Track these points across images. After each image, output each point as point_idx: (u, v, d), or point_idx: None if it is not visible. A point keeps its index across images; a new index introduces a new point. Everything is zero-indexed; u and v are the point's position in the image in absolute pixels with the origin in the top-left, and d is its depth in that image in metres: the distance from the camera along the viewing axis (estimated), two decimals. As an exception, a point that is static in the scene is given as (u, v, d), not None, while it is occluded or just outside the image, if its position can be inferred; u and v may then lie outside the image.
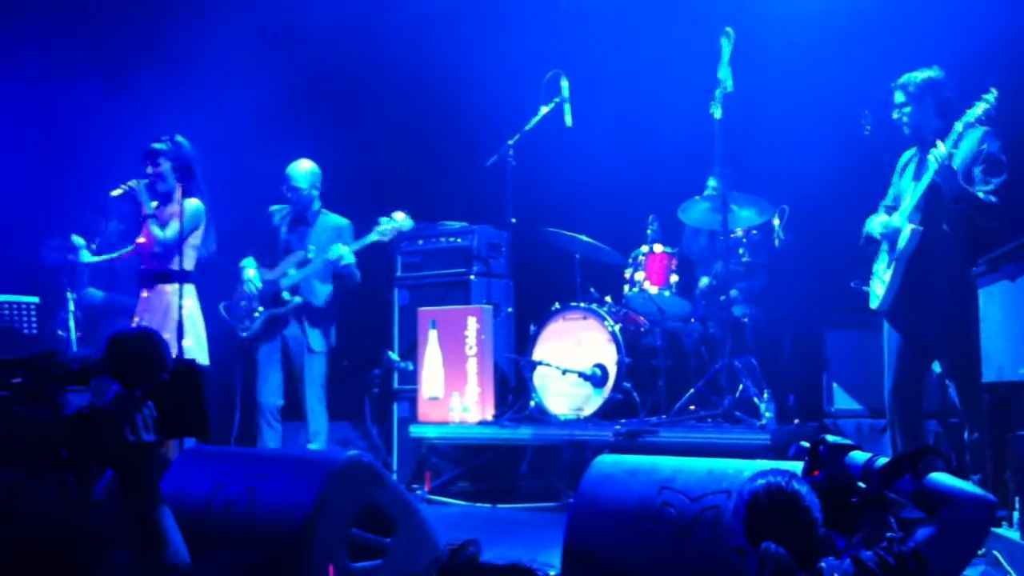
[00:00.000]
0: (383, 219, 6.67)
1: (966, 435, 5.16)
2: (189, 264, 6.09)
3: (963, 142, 5.03)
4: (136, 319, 6.09)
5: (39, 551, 1.69)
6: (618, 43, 7.59)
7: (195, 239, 6.13)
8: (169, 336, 5.83)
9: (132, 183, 6.06)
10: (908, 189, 5.29)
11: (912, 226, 5.10)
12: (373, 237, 6.66)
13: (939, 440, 6.02)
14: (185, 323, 5.90)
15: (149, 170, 6.11)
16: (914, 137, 5.29)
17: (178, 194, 5.96)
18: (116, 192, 6.09)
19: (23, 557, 1.67)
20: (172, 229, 5.96)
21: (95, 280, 7.38)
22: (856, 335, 6.48)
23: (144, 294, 6.13)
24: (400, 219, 6.65)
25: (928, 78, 5.20)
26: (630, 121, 7.41)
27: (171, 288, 5.95)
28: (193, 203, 6.05)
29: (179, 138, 6.11)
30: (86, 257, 6.58)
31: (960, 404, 5.19)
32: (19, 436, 2.02)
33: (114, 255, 6.52)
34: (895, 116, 5.29)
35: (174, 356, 5.61)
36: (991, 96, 4.87)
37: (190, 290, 6.09)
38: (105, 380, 2.17)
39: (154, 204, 6.11)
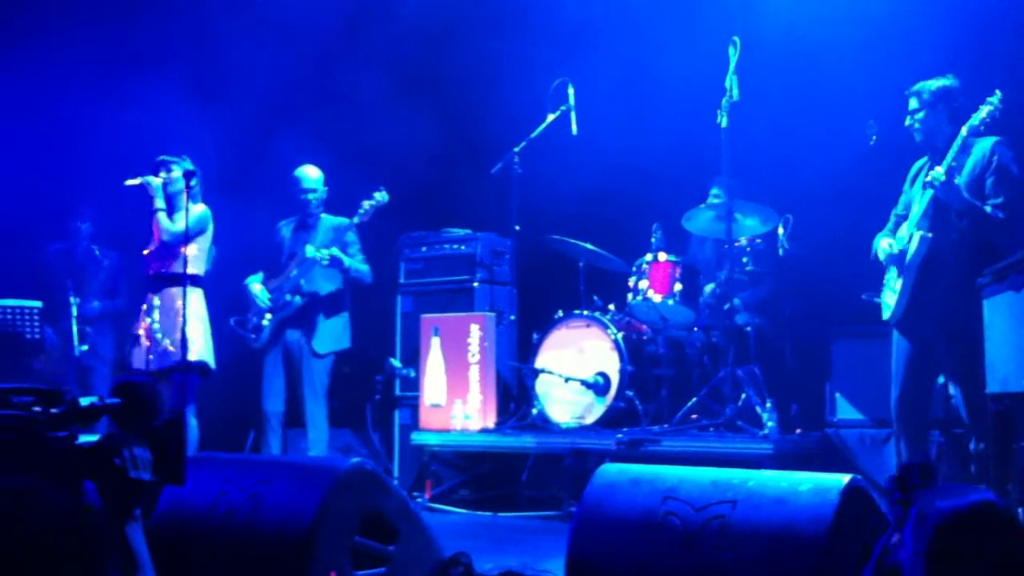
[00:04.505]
0: (364, 201, 6.73)
1: (972, 446, 5.15)
2: (196, 268, 6.14)
3: (973, 149, 5.02)
4: (146, 321, 6.11)
5: (50, 548, 1.94)
6: (625, 52, 7.59)
7: (203, 242, 6.20)
8: (171, 340, 5.86)
9: (148, 178, 6.15)
10: (918, 196, 5.27)
11: (921, 233, 5.09)
12: (355, 220, 6.74)
13: (941, 450, 6.01)
14: (194, 326, 5.95)
15: (162, 174, 6.21)
16: (925, 144, 5.28)
17: (184, 199, 6.05)
18: (132, 181, 6.18)
19: (34, 553, 1.90)
20: (180, 225, 6.04)
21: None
22: (860, 345, 6.45)
23: (154, 299, 6.17)
24: (377, 196, 6.73)
25: (942, 86, 5.19)
26: (636, 129, 7.40)
27: (177, 291, 5.99)
28: (200, 208, 6.14)
29: (186, 162, 6.22)
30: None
31: (967, 415, 5.16)
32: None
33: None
34: (907, 123, 5.27)
35: (178, 359, 5.72)
36: (995, 99, 4.85)
37: (198, 294, 6.13)
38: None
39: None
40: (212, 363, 6.16)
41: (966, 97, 5.16)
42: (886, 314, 5.37)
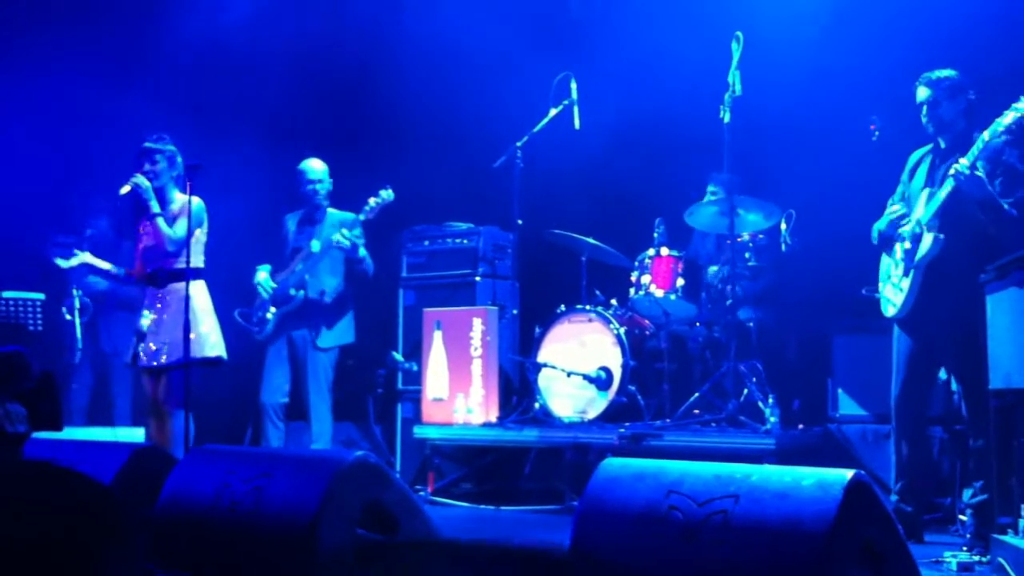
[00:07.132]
0: (370, 199, 6.73)
1: (971, 442, 5.14)
2: (197, 261, 6.10)
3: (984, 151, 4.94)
4: (150, 316, 6.06)
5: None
6: (628, 46, 7.58)
7: (201, 235, 6.15)
8: (179, 336, 5.80)
9: (137, 180, 6.05)
10: (919, 192, 5.23)
11: (934, 234, 5.03)
12: (360, 218, 6.73)
13: (944, 446, 6.01)
14: (201, 317, 5.93)
15: (147, 167, 6.13)
16: (937, 135, 5.22)
17: (176, 194, 6.08)
18: (124, 190, 6.06)
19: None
20: (181, 227, 5.98)
21: (94, 269, 7.47)
22: (862, 340, 6.46)
23: (158, 295, 6.09)
24: (383, 194, 6.72)
25: (959, 77, 5.12)
26: (638, 124, 7.40)
27: (181, 286, 5.93)
28: (196, 201, 6.08)
29: (169, 145, 6.17)
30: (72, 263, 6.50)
31: (968, 412, 5.15)
32: None
33: (114, 269, 6.47)
34: (924, 112, 5.17)
35: (181, 352, 5.68)
36: (1023, 104, 4.66)
37: (201, 286, 6.10)
38: None
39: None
40: (225, 354, 6.14)
41: (977, 92, 5.13)
42: (888, 309, 5.34)
